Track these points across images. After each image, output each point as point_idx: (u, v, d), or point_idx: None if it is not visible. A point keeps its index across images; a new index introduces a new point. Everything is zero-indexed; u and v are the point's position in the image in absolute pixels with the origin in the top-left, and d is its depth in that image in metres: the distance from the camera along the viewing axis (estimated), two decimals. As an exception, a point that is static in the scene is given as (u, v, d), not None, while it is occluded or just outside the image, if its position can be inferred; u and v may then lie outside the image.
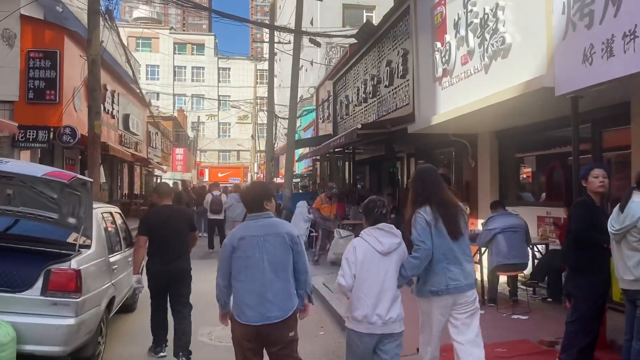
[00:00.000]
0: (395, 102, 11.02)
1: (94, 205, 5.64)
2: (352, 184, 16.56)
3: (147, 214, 6.09)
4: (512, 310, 6.66)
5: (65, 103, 12.76)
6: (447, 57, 8.06)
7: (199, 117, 46.25)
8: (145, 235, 5.17)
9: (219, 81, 59.46)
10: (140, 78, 55.61)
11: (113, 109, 16.95)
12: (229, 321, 3.59)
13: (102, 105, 15.26)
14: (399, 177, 13.98)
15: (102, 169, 12.23)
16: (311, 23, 34.11)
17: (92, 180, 4.83)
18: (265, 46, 60.64)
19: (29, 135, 12.39)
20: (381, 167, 15.95)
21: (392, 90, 11.22)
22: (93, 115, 11.14)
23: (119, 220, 6.61)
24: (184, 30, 72.63)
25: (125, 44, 55.71)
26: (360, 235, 3.65)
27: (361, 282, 3.48)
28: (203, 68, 60.15)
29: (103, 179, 12.35)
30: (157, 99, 53.56)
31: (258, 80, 46.56)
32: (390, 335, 3.49)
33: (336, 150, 16.60)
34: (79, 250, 4.81)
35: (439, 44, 8.37)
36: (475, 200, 9.61)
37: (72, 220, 4.96)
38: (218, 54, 60.49)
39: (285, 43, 22.27)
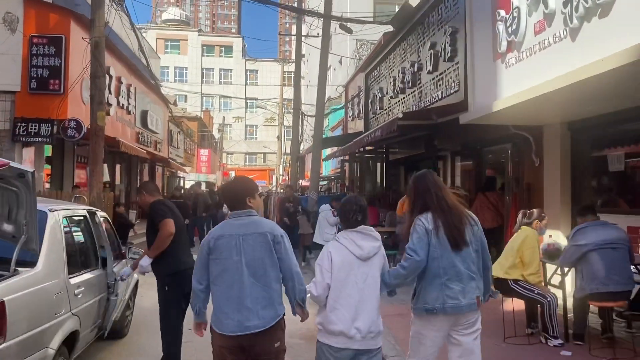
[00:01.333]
0: (441, 89, 9.35)
1: (60, 206, 4.23)
2: (384, 186, 14.92)
3: (160, 201, 4.73)
4: (613, 355, 4.93)
5: (71, 94, 11.48)
6: (514, 27, 6.38)
7: (224, 117, 45.14)
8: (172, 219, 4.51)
9: (246, 83, 58.52)
10: (169, 79, 55.83)
11: (129, 104, 15.69)
12: (204, 332, 3.25)
13: (114, 98, 14.04)
14: (440, 178, 12.26)
15: (105, 166, 10.89)
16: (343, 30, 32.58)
17: (33, 170, 3.35)
18: (294, 49, 59.74)
19: (31, 128, 11.14)
20: (418, 167, 14.22)
21: (437, 76, 9.56)
22: (95, 105, 9.80)
23: (98, 227, 5.13)
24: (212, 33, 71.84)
25: (154, 45, 55.36)
26: (336, 238, 3.25)
27: (338, 292, 3.10)
28: (231, 70, 59.41)
29: (106, 177, 10.99)
30: (185, 101, 53.04)
31: (285, 82, 45.31)
32: (368, 351, 3.10)
33: (367, 149, 15.02)
34: (15, 270, 3.35)
35: (502, 12, 6.70)
36: (540, 205, 7.85)
37: (7, 228, 3.48)
38: (246, 56, 59.64)
39: (314, 37, 20.75)
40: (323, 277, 3.10)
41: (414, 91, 10.92)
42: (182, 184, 27.78)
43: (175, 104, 33.98)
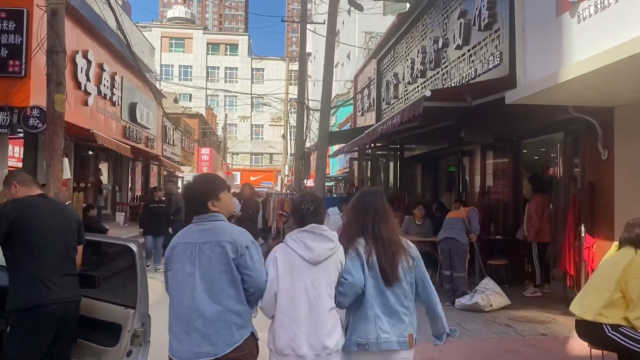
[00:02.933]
0: (474, 66, 7.51)
1: None
2: (399, 187, 13.07)
3: (8, 203, 3.35)
4: None
5: (34, 77, 9.75)
6: (594, -38, 4.54)
7: (226, 115, 43.41)
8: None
9: (252, 82, 56.85)
10: (173, 78, 54.35)
11: (113, 94, 13.96)
12: None
13: (93, 87, 12.30)
14: (465, 177, 10.38)
15: (66, 161, 9.14)
16: (348, 13, 30.83)
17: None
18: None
19: (-15, 117, 9.44)
20: (438, 165, 12.39)
21: (469, 51, 7.73)
22: (53, 86, 7.99)
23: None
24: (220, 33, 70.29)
25: (159, 44, 53.68)
26: (284, 240, 2.79)
27: (285, 302, 2.61)
28: (236, 69, 57.87)
29: (67, 174, 9.23)
30: (190, 100, 51.49)
31: (292, 81, 43.62)
32: None
33: (379, 145, 13.19)
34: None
35: (572, -53, 4.85)
36: (609, 211, 6.00)
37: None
38: (251, 54, 58.03)
39: (319, 23, 18.95)
40: (270, 285, 2.65)
41: (437, 73, 9.08)
42: (180, 184, 26.03)
43: (175, 101, 32.31)
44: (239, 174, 50.60)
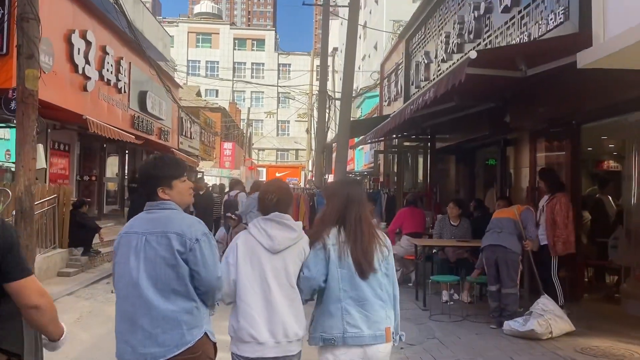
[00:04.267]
0: (528, 30, 5.98)
1: None
2: (429, 183, 11.54)
3: None
4: None
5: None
6: None
7: (249, 109, 42.31)
8: None
9: (278, 77, 55.74)
10: (200, 74, 53.68)
11: (118, 80, 12.83)
12: None
13: (94, 71, 11.16)
14: (509, 170, 8.80)
15: (41, 148, 7.99)
16: (376, 1, 29.26)
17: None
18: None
19: (-37, 100, 8.36)
20: (474, 158, 10.81)
21: (520, 12, 6.20)
22: (23, 60, 6.83)
23: None
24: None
25: (186, 40, 53.00)
26: (247, 228, 2.75)
27: (245, 289, 2.55)
28: (263, 64, 56.86)
29: (42, 164, 8.09)
30: (217, 96, 50.77)
31: (316, 76, 42.25)
32: (283, 358, 2.55)
33: (407, 136, 11.70)
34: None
35: None
36: None
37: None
38: (278, 49, 56.97)
39: (343, 6, 17.49)
40: (228, 271, 2.58)
41: (479, 44, 7.55)
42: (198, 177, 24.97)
43: (198, 94, 31.35)
44: (264, 170, 49.66)
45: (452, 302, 6.69)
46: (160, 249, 2.24)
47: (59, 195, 8.51)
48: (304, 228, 2.74)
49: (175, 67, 21.89)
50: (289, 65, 56.62)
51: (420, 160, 13.32)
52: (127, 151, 16.91)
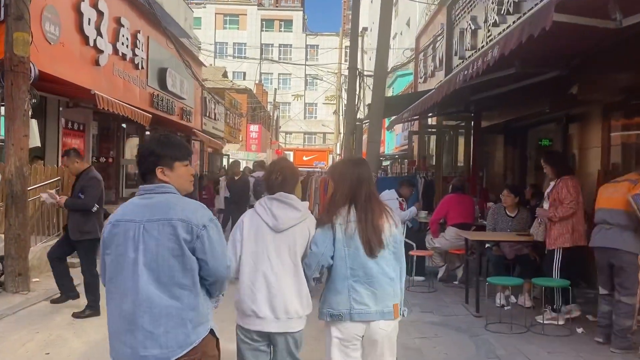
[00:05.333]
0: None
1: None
2: (472, 166, 10.31)
3: None
4: None
5: (18, 23, 7.73)
6: None
7: (275, 89, 41.27)
8: None
9: (306, 59, 54.44)
10: (228, 56, 52.85)
11: (135, 55, 11.92)
12: None
13: (107, 44, 10.25)
14: (573, 151, 7.53)
15: (35, 123, 7.11)
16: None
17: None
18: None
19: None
20: (525, 137, 9.53)
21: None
22: (11, 22, 5.91)
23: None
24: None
25: (213, 21, 52.20)
26: (254, 206, 2.77)
27: (249, 266, 2.63)
28: (290, 45, 55.61)
29: (36, 142, 7.23)
30: (244, 78, 49.94)
31: (346, 58, 40.87)
32: (283, 334, 2.62)
33: (448, 112, 10.46)
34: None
35: None
36: None
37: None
38: (306, 30, 55.61)
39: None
40: (234, 247, 2.65)
41: (540, 2, 6.25)
42: (224, 163, 24.17)
43: (224, 75, 30.46)
44: (292, 153, 48.79)
45: (509, 307, 5.60)
46: (163, 239, 2.01)
47: (63, 178, 7.67)
48: None
49: (199, 46, 20.94)
50: (317, 46, 55.25)
51: (461, 141, 12.06)
52: (147, 132, 16.10)
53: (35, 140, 7.00)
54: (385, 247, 2.64)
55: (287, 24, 56.34)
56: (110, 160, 12.56)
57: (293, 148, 49.99)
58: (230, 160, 24.84)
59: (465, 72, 5.22)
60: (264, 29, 55.62)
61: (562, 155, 5.72)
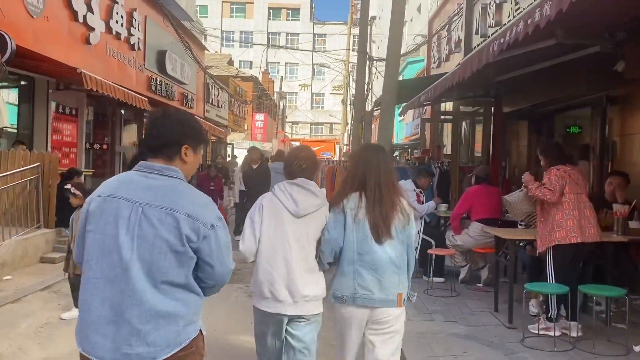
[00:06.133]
0: None
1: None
2: (492, 156, 9.46)
3: None
4: None
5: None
6: None
7: (282, 77, 40.40)
8: None
9: (313, 48, 53.45)
10: (234, 45, 51.99)
11: (131, 34, 11.12)
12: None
13: (99, 21, 9.40)
14: (613, 138, 6.65)
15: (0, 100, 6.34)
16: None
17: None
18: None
19: None
20: (552, 124, 8.66)
21: None
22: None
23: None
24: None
25: (220, 10, 51.34)
26: (272, 190, 2.77)
27: (267, 249, 2.64)
28: (297, 35, 54.57)
29: (3, 121, 6.44)
30: (250, 68, 49.09)
31: (353, 47, 39.86)
32: (302, 317, 2.65)
33: (467, 97, 9.60)
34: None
35: None
36: None
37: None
38: (314, 19, 54.53)
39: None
40: (252, 229, 2.66)
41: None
42: (229, 152, 23.38)
43: (230, 63, 29.59)
44: (298, 144, 47.93)
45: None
46: (162, 230, 1.75)
47: (43, 164, 6.90)
48: None
49: (203, 30, 20.08)
50: (325, 35, 54.21)
51: (479, 128, 11.20)
52: (138, 118, 15.32)
53: (1, 120, 6.23)
54: (394, 237, 2.61)
55: (295, 12, 55.32)
56: (105, 146, 11.79)
57: (299, 138, 49.21)
58: (233, 149, 24.10)
59: (502, 40, 4.36)
60: (271, 17, 54.65)
61: (559, 146, 4.97)
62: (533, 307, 5.00)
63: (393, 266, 2.61)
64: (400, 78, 22.06)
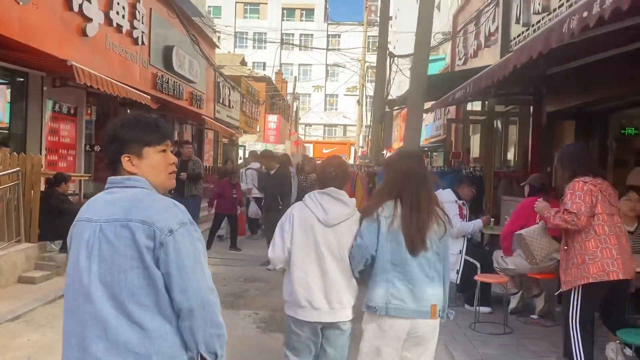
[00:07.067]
0: None
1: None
2: (532, 161, 8.41)
3: None
4: None
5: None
6: None
7: (295, 77, 39.47)
8: None
9: (327, 47, 52.53)
10: (247, 46, 51.29)
11: (134, 27, 10.24)
12: None
13: (98, 11, 8.51)
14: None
15: None
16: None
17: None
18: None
19: None
20: (605, 124, 7.56)
21: None
22: None
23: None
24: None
25: (233, 10, 50.78)
26: (302, 200, 2.84)
27: (301, 258, 2.67)
28: (312, 35, 53.62)
29: None
30: (264, 69, 48.37)
31: (371, 48, 38.85)
32: (337, 324, 2.68)
33: (500, 95, 8.54)
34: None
35: None
36: None
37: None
38: (328, 19, 53.60)
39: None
40: (282, 238, 2.71)
41: None
42: (240, 155, 22.49)
43: (243, 63, 28.75)
44: (311, 146, 47.01)
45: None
46: (119, 245, 1.57)
47: (25, 169, 6.00)
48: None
49: (214, 27, 19.21)
50: (339, 36, 53.29)
51: (513, 129, 10.13)
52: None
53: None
54: (429, 248, 2.56)
55: (309, 12, 54.49)
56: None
57: (313, 140, 48.27)
58: (249, 151, 23.13)
59: (584, 14, 3.32)
60: (284, 18, 53.86)
61: (585, 151, 3.91)
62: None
63: (426, 277, 2.56)
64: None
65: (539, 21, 7.03)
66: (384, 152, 14.52)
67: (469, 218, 5.40)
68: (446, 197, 5.11)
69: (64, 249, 6.30)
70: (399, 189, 2.61)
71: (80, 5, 8.20)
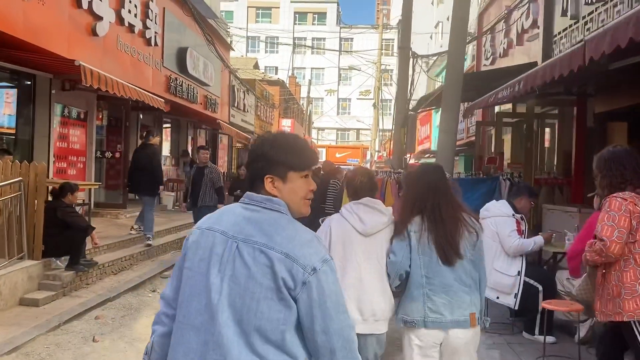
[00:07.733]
0: None
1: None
2: (576, 166, 7.71)
3: None
4: None
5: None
6: None
7: (310, 81, 38.99)
8: None
9: (340, 50, 51.99)
10: (259, 50, 50.93)
11: (147, 27, 9.72)
12: None
13: (108, 9, 8.01)
14: None
15: None
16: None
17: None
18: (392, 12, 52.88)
19: None
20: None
21: None
22: None
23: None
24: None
25: (245, 15, 50.53)
26: (339, 211, 2.84)
27: (338, 270, 2.10)
28: (324, 39, 53.17)
29: None
30: (276, 73, 47.98)
31: (383, 51, 38.16)
32: (371, 336, 2.67)
33: (540, 95, 7.84)
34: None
35: None
36: None
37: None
38: (340, 23, 53.09)
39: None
40: None
41: None
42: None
43: (256, 66, 28.26)
44: (324, 150, 46.36)
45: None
46: (256, 271, 1.46)
47: (28, 179, 5.43)
48: None
49: (228, 30, 18.71)
50: (351, 39, 52.75)
51: (549, 132, 9.42)
52: (169, 124, 13.96)
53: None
54: (463, 257, 2.54)
55: (321, 16, 54.04)
56: (118, 155, 10.39)
57: (326, 145, 47.67)
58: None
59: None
60: (297, 22, 53.45)
61: (630, 155, 3.00)
62: None
63: (463, 286, 2.53)
64: (437, 83, 20.32)
65: (591, 12, 6.34)
66: (407, 156, 13.85)
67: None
68: (501, 210, 4.45)
69: (70, 266, 5.71)
70: (421, 204, 2.61)
71: (90, 3, 7.69)
